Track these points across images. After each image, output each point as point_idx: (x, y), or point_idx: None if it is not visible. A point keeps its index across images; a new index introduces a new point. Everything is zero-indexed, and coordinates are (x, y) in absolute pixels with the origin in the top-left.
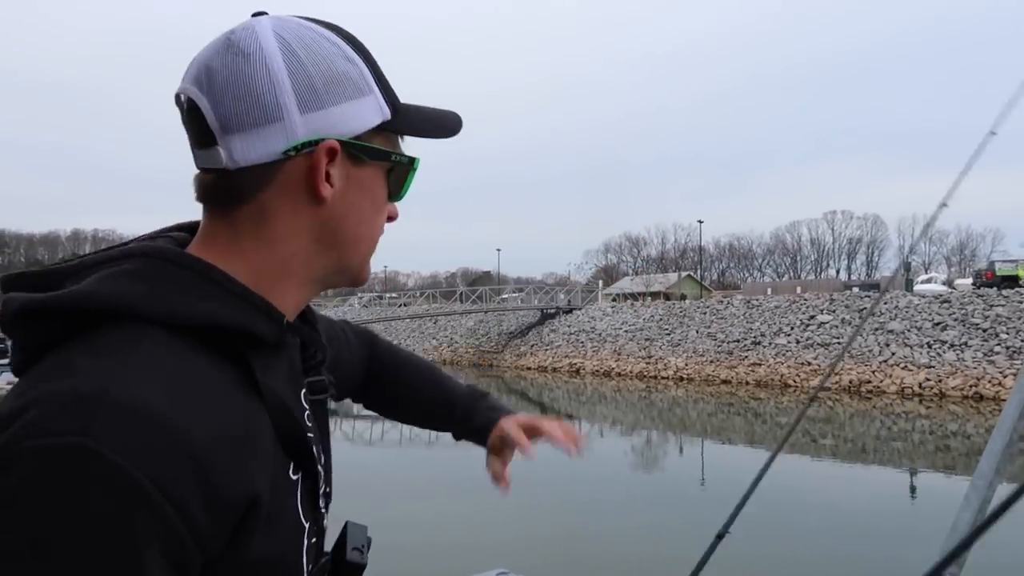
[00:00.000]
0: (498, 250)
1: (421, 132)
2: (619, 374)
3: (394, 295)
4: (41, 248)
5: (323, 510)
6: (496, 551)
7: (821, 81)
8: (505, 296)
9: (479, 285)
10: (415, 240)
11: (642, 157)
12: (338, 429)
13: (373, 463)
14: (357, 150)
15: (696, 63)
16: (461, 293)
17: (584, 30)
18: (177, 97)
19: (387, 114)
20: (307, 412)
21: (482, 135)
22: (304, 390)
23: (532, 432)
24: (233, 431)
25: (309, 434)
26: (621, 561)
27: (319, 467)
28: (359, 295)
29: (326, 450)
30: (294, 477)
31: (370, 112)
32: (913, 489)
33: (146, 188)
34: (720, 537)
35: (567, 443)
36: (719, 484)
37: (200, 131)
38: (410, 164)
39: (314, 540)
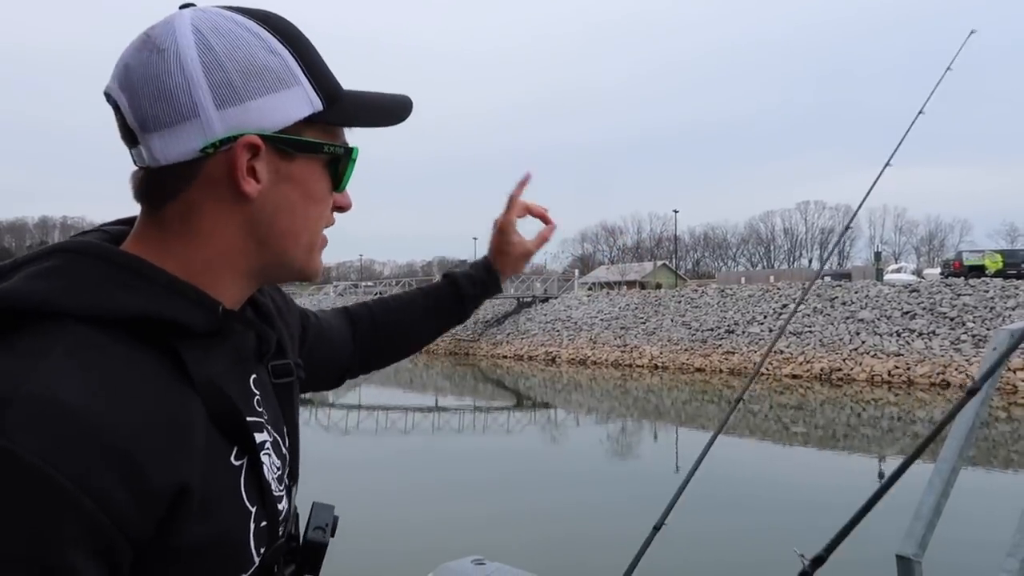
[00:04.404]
0: (475, 239)
1: (360, 121)
2: (595, 362)
3: (370, 283)
4: (8, 236)
5: (277, 493)
6: (471, 538)
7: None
8: None
9: None
10: (391, 229)
11: (618, 146)
12: (313, 419)
13: (348, 452)
14: (284, 144)
15: (672, 46)
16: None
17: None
18: (107, 95)
19: (318, 105)
20: (257, 397)
21: (457, 119)
22: (254, 376)
23: (517, 213)
24: (156, 420)
25: (255, 418)
26: (597, 547)
27: (266, 453)
28: (334, 284)
29: (291, 432)
30: (237, 463)
31: (296, 104)
32: (881, 475)
33: (118, 175)
34: (657, 529)
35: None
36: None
37: (124, 130)
38: (348, 154)
39: (264, 524)
